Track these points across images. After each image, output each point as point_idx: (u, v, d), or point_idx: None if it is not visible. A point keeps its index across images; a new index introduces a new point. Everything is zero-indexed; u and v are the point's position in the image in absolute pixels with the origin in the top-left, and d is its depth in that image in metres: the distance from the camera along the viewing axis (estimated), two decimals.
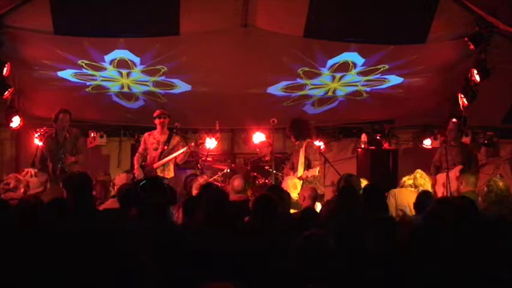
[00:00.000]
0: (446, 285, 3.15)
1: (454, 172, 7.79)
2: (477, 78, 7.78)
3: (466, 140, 8.98)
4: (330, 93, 8.97)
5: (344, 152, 9.99)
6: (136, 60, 7.93)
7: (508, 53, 7.73)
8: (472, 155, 8.47)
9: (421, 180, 6.43)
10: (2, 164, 9.27)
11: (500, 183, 5.90)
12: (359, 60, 7.99)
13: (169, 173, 7.91)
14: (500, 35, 7.46)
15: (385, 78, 8.50)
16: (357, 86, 8.73)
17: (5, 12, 7.07)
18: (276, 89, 8.77)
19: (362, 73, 8.31)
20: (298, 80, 8.50)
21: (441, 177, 7.94)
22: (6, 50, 7.45)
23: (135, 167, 7.93)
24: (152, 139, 7.96)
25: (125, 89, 8.75)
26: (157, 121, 7.92)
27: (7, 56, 7.58)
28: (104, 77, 8.32)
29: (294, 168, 7.68)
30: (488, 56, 7.62)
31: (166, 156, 7.85)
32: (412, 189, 6.36)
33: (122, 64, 8.01)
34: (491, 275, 3.22)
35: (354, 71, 8.24)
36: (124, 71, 8.20)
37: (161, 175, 7.68)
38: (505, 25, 7.31)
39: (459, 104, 8.36)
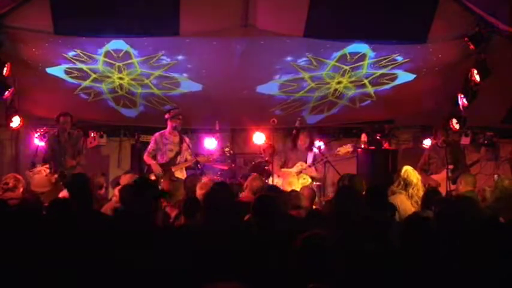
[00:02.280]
0: (446, 285, 3.15)
1: (443, 173, 7.86)
2: (477, 78, 7.78)
3: (465, 140, 8.98)
4: (330, 97, 8.95)
5: None
6: (135, 52, 7.91)
7: (508, 53, 7.73)
8: (459, 154, 8.41)
9: (411, 177, 6.27)
10: (2, 164, 9.26)
11: (506, 182, 5.95)
12: (370, 52, 7.97)
13: (184, 174, 7.94)
14: (500, 35, 7.46)
15: (394, 73, 8.49)
16: (366, 85, 8.72)
17: (5, 12, 7.08)
18: (273, 88, 8.74)
19: (375, 64, 8.25)
20: (299, 74, 8.47)
21: (429, 179, 7.99)
22: (6, 50, 7.45)
23: (152, 162, 7.82)
24: (165, 140, 7.92)
25: (121, 92, 8.69)
26: (174, 121, 7.86)
27: (7, 56, 7.58)
28: (95, 72, 8.25)
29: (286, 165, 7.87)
30: (488, 56, 7.63)
31: (181, 158, 7.91)
32: (403, 191, 6.23)
33: (117, 54, 7.93)
34: (491, 274, 3.22)
35: (367, 61, 8.18)
36: (120, 63, 8.12)
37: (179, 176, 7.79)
38: (505, 25, 7.32)
39: (459, 104, 8.36)
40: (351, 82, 8.64)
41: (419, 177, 6.31)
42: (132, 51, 7.84)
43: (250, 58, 7.97)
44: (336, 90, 8.80)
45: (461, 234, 3.62)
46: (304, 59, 8.09)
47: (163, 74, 8.39)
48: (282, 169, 8.00)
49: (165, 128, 8.03)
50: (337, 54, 8.00)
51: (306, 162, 8.01)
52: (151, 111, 8.95)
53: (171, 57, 8.01)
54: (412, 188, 6.11)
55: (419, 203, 5.88)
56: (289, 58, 8.08)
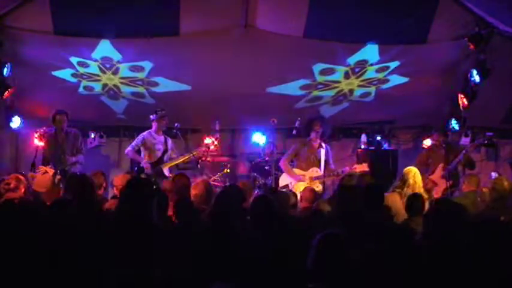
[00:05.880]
0: (447, 285, 3.16)
1: (437, 172, 7.91)
2: (477, 78, 7.80)
3: (465, 140, 8.98)
4: (340, 95, 8.98)
5: (344, 152, 9.96)
6: (120, 57, 7.93)
7: (508, 54, 7.74)
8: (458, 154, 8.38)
9: (413, 179, 6.27)
10: (1, 164, 9.25)
11: (505, 183, 5.95)
12: (374, 57, 7.99)
13: (168, 172, 8.08)
14: (500, 35, 7.47)
15: (388, 79, 8.53)
16: (369, 87, 8.75)
17: (5, 12, 7.08)
18: (294, 87, 8.76)
19: (378, 70, 8.31)
20: (316, 78, 8.49)
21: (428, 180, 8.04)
22: (6, 50, 7.46)
23: (140, 158, 7.95)
24: (153, 139, 8.05)
25: (110, 85, 8.69)
26: (160, 122, 8.01)
27: (7, 56, 7.58)
28: (89, 73, 8.27)
29: (297, 162, 7.86)
30: (488, 56, 7.63)
31: (167, 156, 8.04)
32: (399, 189, 6.25)
33: (107, 60, 8.01)
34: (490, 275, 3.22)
35: (372, 67, 8.23)
36: (109, 70, 8.18)
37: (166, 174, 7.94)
38: (505, 25, 7.32)
39: (459, 104, 8.36)
40: (358, 85, 8.71)
41: (418, 179, 6.29)
42: (117, 56, 7.85)
43: (253, 57, 7.96)
44: (350, 90, 8.84)
45: (457, 234, 3.63)
46: (321, 66, 8.17)
47: (145, 77, 8.40)
48: (294, 169, 7.85)
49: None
50: (349, 61, 8.05)
51: (318, 158, 7.88)
52: (135, 104, 8.98)
53: (169, 61, 8.03)
54: (407, 187, 6.14)
55: None
56: (291, 63, 8.12)
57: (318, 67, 8.22)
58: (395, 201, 5.95)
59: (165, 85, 8.58)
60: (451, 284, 3.20)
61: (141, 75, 8.34)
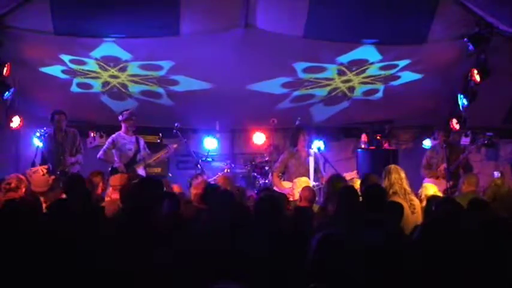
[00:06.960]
0: (448, 285, 3.15)
1: (439, 172, 7.98)
2: (477, 78, 7.79)
3: (466, 140, 8.98)
4: (337, 93, 8.97)
5: (344, 152, 9.98)
6: (128, 56, 7.95)
7: (508, 54, 7.74)
8: (459, 154, 8.35)
9: (396, 173, 6.22)
10: (2, 164, 9.24)
11: (498, 182, 5.96)
12: (375, 56, 7.98)
13: (143, 172, 8.11)
14: (500, 35, 7.47)
15: (399, 76, 8.54)
16: (374, 83, 8.75)
17: (5, 12, 7.08)
18: (272, 86, 8.74)
19: (381, 68, 8.33)
20: (300, 76, 8.49)
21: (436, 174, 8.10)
22: (6, 50, 7.46)
23: (115, 160, 7.92)
24: (123, 140, 8.04)
25: (114, 83, 8.69)
26: (127, 123, 8.01)
27: (7, 56, 7.59)
28: (85, 70, 8.28)
29: (287, 174, 7.72)
30: (488, 56, 7.63)
31: (140, 156, 8.04)
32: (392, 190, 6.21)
33: (109, 61, 8.03)
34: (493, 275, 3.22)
35: (375, 66, 8.23)
36: (113, 68, 8.19)
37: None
38: (505, 25, 7.32)
39: (459, 104, 8.37)
40: (360, 82, 8.69)
41: (402, 173, 6.26)
42: (124, 55, 7.85)
43: (253, 58, 7.96)
44: (349, 87, 8.84)
45: (460, 233, 3.62)
46: (307, 64, 8.13)
47: (160, 75, 8.40)
48: (284, 182, 7.72)
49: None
50: (341, 60, 8.04)
51: (307, 168, 7.73)
52: (145, 104, 8.93)
53: (169, 62, 8.02)
54: (395, 181, 6.09)
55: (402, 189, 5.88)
56: (290, 62, 8.12)
57: (309, 65, 8.22)
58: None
59: (187, 84, 8.59)
60: (452, 284, 3.19)
61: (155, 73, 8.34)
